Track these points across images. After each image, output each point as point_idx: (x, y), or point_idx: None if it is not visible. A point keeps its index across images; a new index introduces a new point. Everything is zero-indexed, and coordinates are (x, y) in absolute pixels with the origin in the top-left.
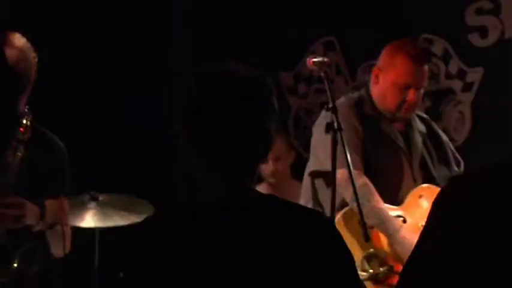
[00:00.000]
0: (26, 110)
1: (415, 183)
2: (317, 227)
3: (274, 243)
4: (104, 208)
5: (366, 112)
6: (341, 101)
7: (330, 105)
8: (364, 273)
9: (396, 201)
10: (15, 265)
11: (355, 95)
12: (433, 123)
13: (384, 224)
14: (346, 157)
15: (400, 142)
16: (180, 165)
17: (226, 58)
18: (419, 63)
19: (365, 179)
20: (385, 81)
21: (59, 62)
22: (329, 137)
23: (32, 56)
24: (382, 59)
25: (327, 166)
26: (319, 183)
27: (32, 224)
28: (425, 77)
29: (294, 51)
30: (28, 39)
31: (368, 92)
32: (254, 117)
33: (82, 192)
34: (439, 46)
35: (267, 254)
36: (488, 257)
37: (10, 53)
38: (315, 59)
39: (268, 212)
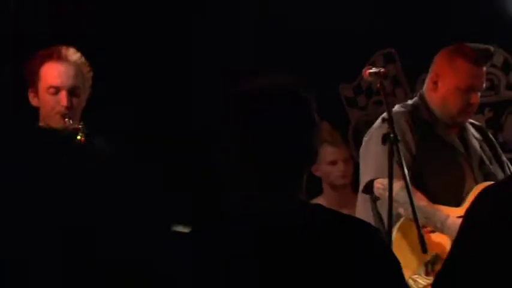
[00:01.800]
0: (80, 126)
1: (477, 184)
2: (363, 237)
3: (319, 252)
4: None
5: (422, 118)
6: (396, 109)
7: (386, 117)
8: (430, 278)
9: (459, 203)
10: None
11: (409, 102)
12: (487, 131)
13: (431, 220)
14: (403, 168)
15: (458, 145)
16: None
17: (285, 68)
18: (479, 65)
19: (401, 182)
20: (446, 86)
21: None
22: (382, 147)
23: (87, 70)
24: (439, 65)
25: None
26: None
27: None
28: (484, 79)
29: (354, 63)
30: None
31: (423, 99)
32: (293, 127)
33: None
34: (499, 57)
35: (312, 264)
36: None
37: (65, 69)
38: (370, 70)
39: (312, 221)
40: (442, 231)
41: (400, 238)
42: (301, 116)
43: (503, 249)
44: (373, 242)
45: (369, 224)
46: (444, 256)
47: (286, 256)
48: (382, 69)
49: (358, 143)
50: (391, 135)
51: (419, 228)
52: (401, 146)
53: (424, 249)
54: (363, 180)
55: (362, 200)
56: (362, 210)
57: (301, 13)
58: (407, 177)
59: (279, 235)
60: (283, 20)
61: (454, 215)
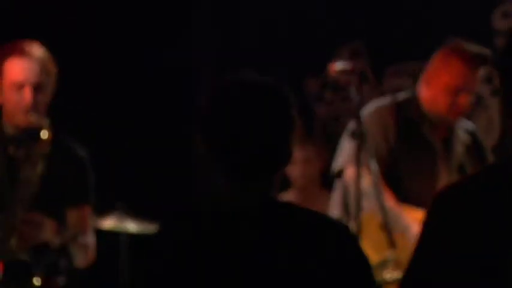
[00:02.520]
0: (44, 122)
1: None
2: (331, 235)
3: (287, 249)
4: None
5: (409, 115)
6: (382, 102)
7: (355, 113)
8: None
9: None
10: (36, 283)
11: (401, 96)
12: (478, 136)
13: (394, 222)
14: (370, 165)
15: (440, 148)
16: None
17: (252, 63)
18: (473, 68)
19: (372, 178)
20: (438, 83)
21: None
22: (351, 141)
23: (51, 65)
24: (436, 62)
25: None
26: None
27: (47, 239)
28: (477, 82)
29: (321, 57)
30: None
31: (414, 95)
32: (271, 127)
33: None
34: None
35: (280, 261)
36: (471, 264)
37: (29, 65)
38: (338, 67)
39: (282, 219)
40: (403, 236)
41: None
42: (281, 114)
43: (460, 251)
44: (343, 241)
45: (340, 223)
46: (398, 260)
47: (255, 253)
48: (350, 66)
49: (327, 139)
50: (359, 132)
51: (387, 223)
52: (380, 141)
53: (391, 244)
54: (334, 164)
55: (337, 188)
56: (333, 202)
57: (265, 5)
58: (375, 174)
59: (248, 232)
60: (248, 12)
61: (422, 217)
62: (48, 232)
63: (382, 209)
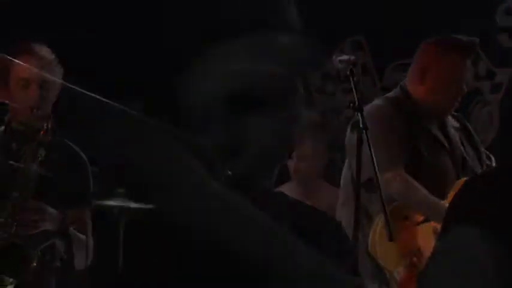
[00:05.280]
0: (45, 124)
1: (458, 179)
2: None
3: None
4: None
5: (406, 110)
6: (377, 102)
7: (356, 104)
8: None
9: (442, 198)
10: (31, 265)
11: (391, 95)
12: (465, 120)
13: (434, 209)
14: (372, 158)
15: (443, 139)
16: None
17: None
18: (466, 55)
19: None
20: (436, 78)
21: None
22: (353, 136)
23: (57, 66)
24: (428, 57)
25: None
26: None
27: (50, 229)
28: (468, 69)
29: (322, 49)
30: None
31: (405, 91)
32: (276, 117)
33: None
34: None
35: None
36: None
37: (36, 63)
38: (340, 58)
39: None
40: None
41: (383, 227)
42: (284, 101)
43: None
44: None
45: (325, 214)
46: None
47: None
48: (353, 57)
49: (327, 131)
50: (360, 125)
51: (386, 215)
52: (391, 134)
53: (389, 237)
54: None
55: (345, 192)
56: (346, 203)
57: None
58: (376, 168)
59: None
60: None
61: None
62: (51, 223)
63: (381, 199)
